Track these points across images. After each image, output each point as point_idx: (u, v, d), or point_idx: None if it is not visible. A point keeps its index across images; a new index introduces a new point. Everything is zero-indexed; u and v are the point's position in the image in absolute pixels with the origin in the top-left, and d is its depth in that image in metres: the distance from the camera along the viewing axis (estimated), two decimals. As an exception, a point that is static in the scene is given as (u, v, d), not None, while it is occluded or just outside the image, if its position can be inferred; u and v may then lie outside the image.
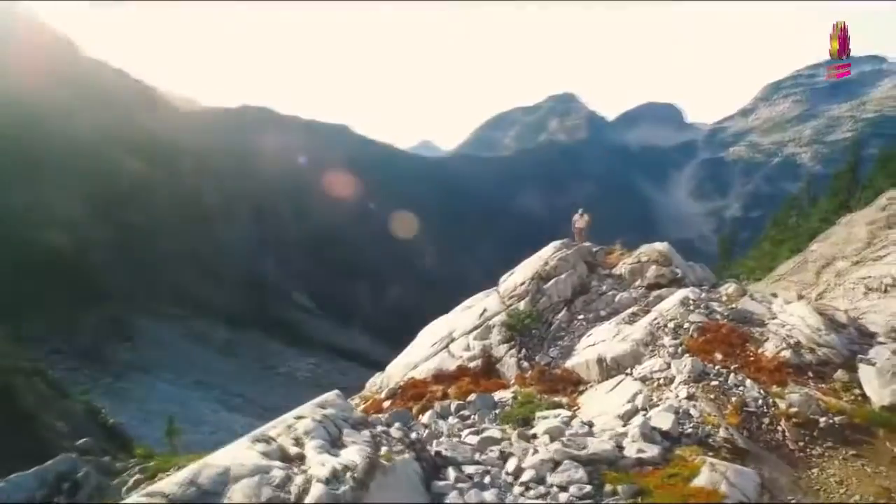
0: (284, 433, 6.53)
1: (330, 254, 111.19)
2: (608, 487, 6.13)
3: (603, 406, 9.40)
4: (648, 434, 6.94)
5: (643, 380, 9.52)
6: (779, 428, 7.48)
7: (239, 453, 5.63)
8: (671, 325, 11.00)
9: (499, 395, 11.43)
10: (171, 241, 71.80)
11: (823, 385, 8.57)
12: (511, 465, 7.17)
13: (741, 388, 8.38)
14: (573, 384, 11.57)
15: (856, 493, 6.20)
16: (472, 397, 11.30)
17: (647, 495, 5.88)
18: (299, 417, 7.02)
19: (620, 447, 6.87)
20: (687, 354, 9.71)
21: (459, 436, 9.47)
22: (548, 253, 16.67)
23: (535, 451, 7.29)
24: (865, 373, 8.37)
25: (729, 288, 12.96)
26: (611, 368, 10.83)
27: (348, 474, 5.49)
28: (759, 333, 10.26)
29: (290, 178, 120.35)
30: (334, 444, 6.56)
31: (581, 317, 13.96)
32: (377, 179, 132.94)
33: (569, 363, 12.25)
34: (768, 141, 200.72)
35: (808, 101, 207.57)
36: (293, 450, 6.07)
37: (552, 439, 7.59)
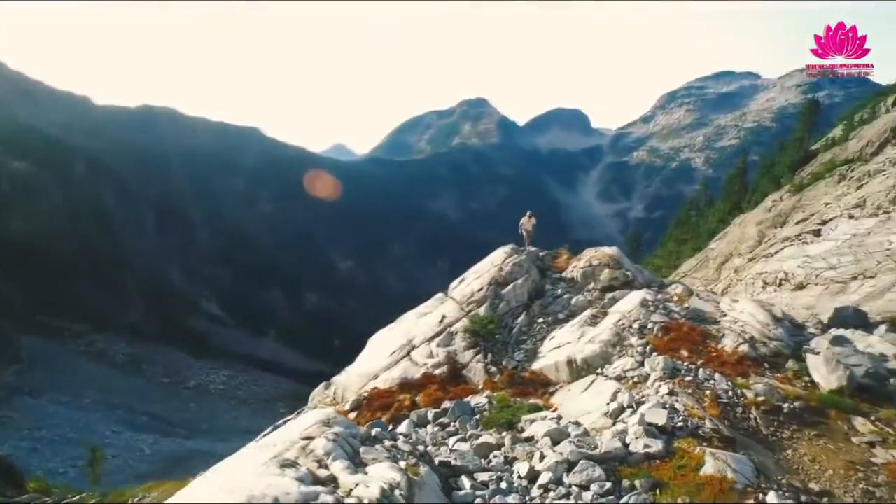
0: (302, 455, 6.34)
1: (241, 260, 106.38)
2: (626, 483, 6.49)
3: (582, 406, 9.83)
4: (648, 430, 7.43)
5: (618, 379, 10.10)
6: (751, 416, 8.29)
7: (273, 480, 5.40)
8: (636, 325, 11.73)
9: (472, 402, 11.60)
10: (63, 249, 65.18)
11: (779, 374, 9.60)
12: (523, 468, 7.35)
13: (711, 381, 9.17)
14: (543, 386, 12.01)
15: (828, 469, 7.05)
16: (447, 405, 11.38)
17: (663, 487, 6.30)
18: (309, 438, 6.83)
19: (625, 444, 7.30)
20: (655, 353, 10.44)
21: (445, 444, 9.55)
22: (500, 258, 17.05)
23: (542, 454, 7.55)
24: (812, 361, 9.47)
25: (677, 289, 14.03)
26: (581, 369, 11.37)
27: (396, 492, 5.47)
28: (716, 330, 11.25)
29: (198, 181, 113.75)
30: (355, 462, 6.46)
31: (540, 320, 14.44)
32: (290, 183, 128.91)
33: (536, 366, 12.68)
34: (666, 146, 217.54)
35: (699, 111, 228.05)
36: (321, 472, 5.92)
37: (554, 441, 7.88)
